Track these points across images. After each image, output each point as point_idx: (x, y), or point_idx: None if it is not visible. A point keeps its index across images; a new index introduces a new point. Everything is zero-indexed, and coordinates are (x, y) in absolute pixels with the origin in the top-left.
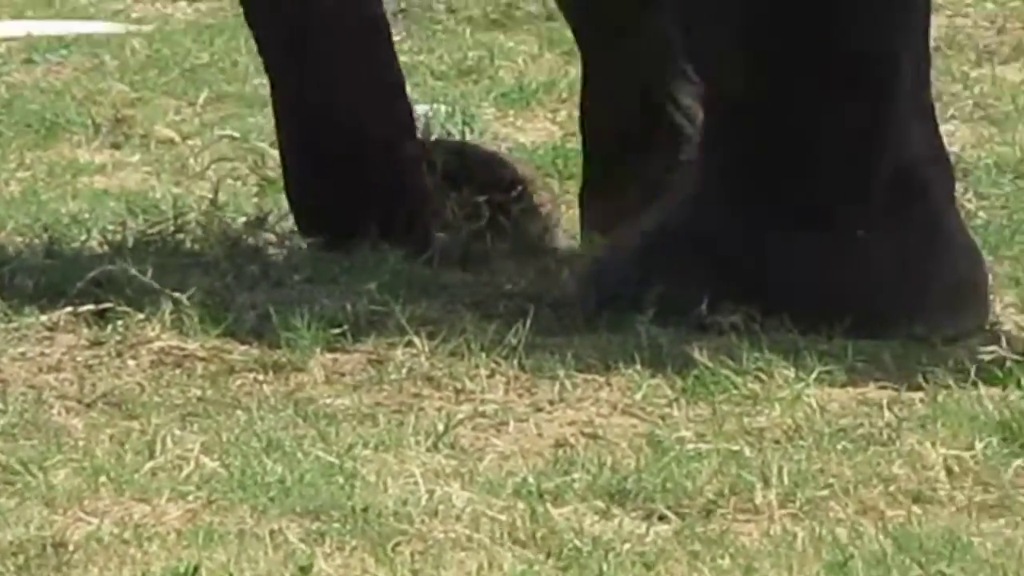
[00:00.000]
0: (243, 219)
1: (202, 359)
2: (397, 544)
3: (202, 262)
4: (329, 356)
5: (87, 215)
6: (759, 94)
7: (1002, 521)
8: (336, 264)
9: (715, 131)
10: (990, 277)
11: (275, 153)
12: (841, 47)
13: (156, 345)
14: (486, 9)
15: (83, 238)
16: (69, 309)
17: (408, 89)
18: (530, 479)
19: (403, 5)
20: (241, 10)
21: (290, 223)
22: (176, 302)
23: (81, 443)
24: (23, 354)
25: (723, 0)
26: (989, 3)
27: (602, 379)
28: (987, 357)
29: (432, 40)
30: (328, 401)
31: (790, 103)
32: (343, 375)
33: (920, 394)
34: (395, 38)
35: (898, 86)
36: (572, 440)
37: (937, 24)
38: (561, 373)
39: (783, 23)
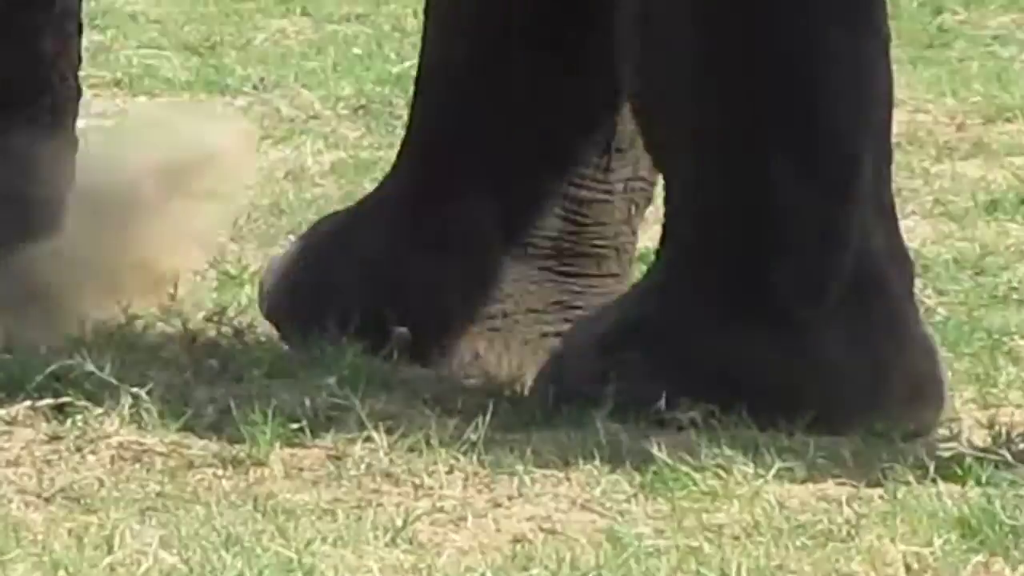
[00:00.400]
0: (202, 314)
1: (161, 454)
2: None
3: (161, 357)
4: (288, 451)
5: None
6: (719, 190)
7: None
8: (295, 359)
9: (674, 225)
10: (949, 373)
11: (235, 247)
12: (802, 144)
13: (115, 440)
14: None
15: (39, 333)
16: (27, 403)
17: (368, 184)
18: (488, 575)
19: (363, 101)
20: (199, 103)
21: (249, 318)
22: (135, 397)
23: (40, 537)
24: None
25: (679, 99)
26: (949, 99)
27: (561, 474)
28: (946, 454)
29: (392, 136)
30: (287, 496)
31: (750, 199)
32: (302, 470)
33: (879, 490)
34: (356, 134)
35: (859, 183)
36: (531, 535)
37: (898, 120)
38: (520, 468)
39: (743, 121)
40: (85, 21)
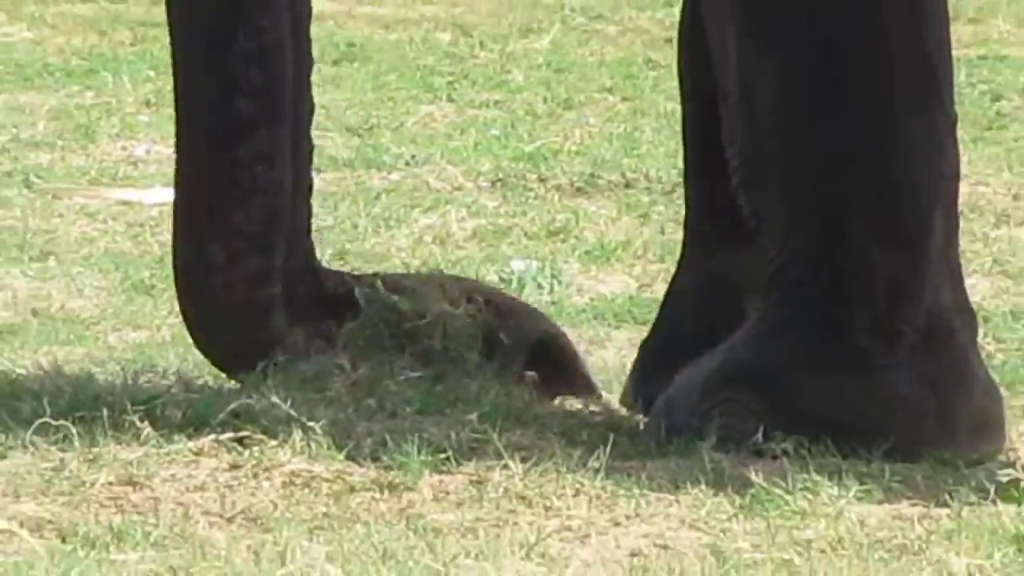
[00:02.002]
0: None
1: (327, 480)
2: None
3: (327, 397)
4: (436, 477)
5: None
6: (808, 251)
7: None
8: (443, 398)
9: (770, 283)
10: (1007, 410)
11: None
12: (882, 212)
13: (287, 468)
14: (572, 179)
15: (224, 375)
16: (212, 437)
17: (505, 247)
18: None
19: (500, 176)
20: (361, 178)
21: (403, 363)
22: (305, 430)
23: (222, 553)
24: (172, 476)
25: (774, 174)
26: (1006, 174)
27: (672, 498)
28: (1004, 479)
29: (525, 205)
30: (435, 516)
31: (836, 259)
32: (448, 494)
33: (947, 511)
34: (494, 204)
35: (931, 245)
36: (646, 551)
37: (962, 191)
38: (636, 492)
39: (830, 192)
40: None
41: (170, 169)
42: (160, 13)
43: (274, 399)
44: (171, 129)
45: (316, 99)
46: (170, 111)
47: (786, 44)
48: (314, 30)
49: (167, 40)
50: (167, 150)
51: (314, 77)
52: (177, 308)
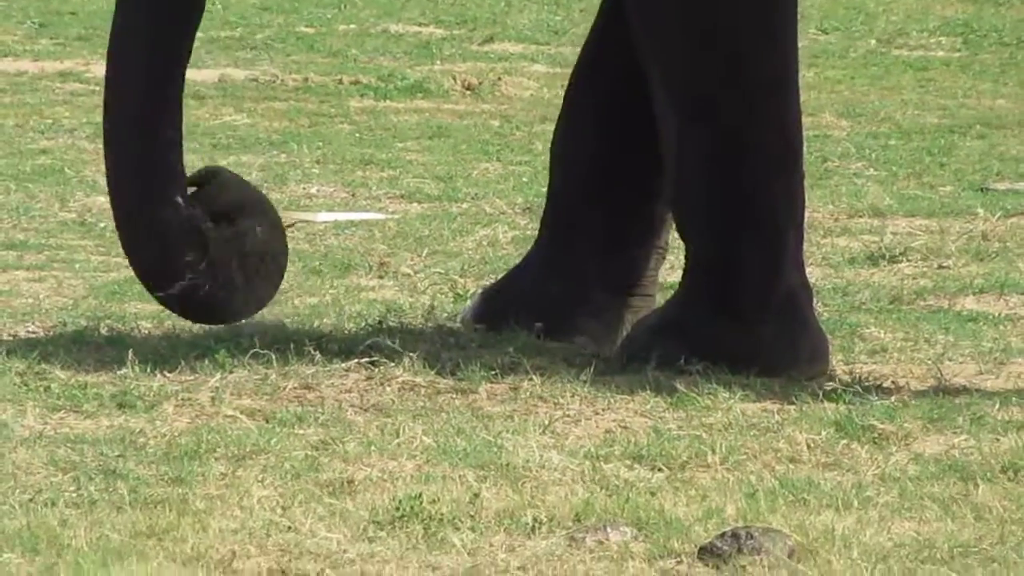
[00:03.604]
0: (445, 314)
1: (423, 386)
2: (524, 480)
3: (424, 337)
4: (489, 385)
5: (365, 311)
6: (711, 252)
7: (835, 472)
8: (493, 337)
9: (689, 267)
10: (830, 347)
11: (461, 281)
12: (762, 235)
13: (400, 379)
14: None
15: (362, 324)
16: (355, 360)
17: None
18: (592, 449)
19: (528, 206)
20: (445, 207)
21: (472, 315)
22: (410, 357)
23: (361, 430)
24: (332, 384)
25: (693, 209)
26: (830, 205)
27: (629, 398)
28: (828, 387)
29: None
30: (488, 409)
31: (730, 257)
32: (496, 395)
33: (793, 406)
34: (524, 222)
35: (787, 248)
36: (614, 429)
37: (806, 215)
38: (608, 394)
39: (724, 218)
40: (385, 165)
41: (332, 201)
42: (329, 107)
43: (392, 338)
44: (334, 177)
45: (420, 161)
46: (332, 166)
47: (704, 127)
48: (415, 119)
49: (332, 124)
50: (330, 189)
51: (417, 146)
52: (332, 284)
